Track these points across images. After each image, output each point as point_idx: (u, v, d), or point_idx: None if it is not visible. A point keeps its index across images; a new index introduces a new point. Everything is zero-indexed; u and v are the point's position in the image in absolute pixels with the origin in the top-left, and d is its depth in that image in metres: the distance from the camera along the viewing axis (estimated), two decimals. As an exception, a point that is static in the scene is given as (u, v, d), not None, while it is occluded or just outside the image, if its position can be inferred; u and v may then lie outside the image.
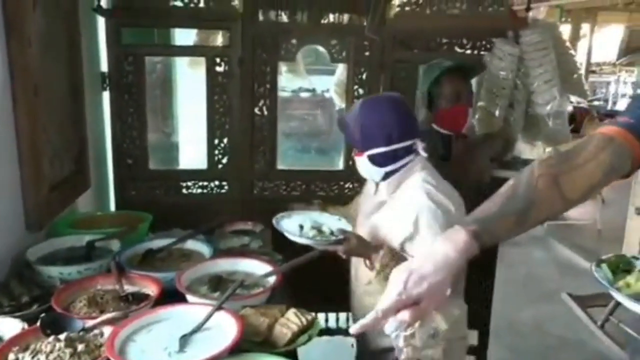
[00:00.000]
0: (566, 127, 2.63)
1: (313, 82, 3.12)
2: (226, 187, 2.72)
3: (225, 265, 1.68)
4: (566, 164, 1.02)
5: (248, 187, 2.73)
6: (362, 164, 1.76)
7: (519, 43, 2.51)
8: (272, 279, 1.58)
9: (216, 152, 2.67)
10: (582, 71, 3.21)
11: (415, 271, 0.93)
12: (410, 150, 1.70)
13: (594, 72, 11.14)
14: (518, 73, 2.52)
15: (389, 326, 0.90)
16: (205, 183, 2.71)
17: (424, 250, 1.01)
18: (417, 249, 1.56)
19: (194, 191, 2.71)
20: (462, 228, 0.98)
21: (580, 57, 10.13)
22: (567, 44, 2.61)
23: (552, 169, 1.01)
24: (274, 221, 1.83)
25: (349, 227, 1.81)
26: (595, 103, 9.66)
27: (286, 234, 1.73)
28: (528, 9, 2.60)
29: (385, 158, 1.70)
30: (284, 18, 2.64)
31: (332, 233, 1.72)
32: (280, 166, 2.78)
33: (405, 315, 0.89)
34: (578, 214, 5.29)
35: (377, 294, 1.06)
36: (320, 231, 1.75)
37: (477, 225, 0.98)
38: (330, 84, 3.06)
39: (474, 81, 2.51)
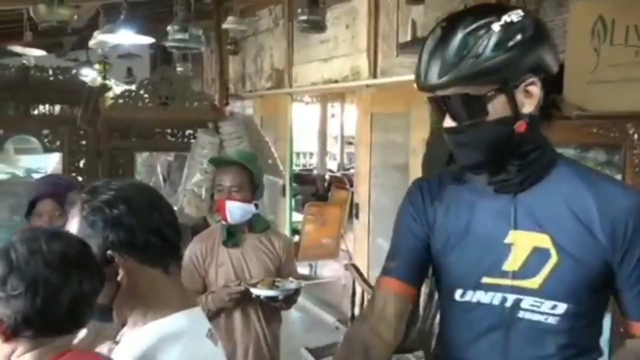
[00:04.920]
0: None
1: (28, 162, 3.07)
2: None
3: None
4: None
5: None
6: None
7: (219, 132, 2.87)
8: None
9: None
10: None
11: None
12: None
13: (350, 143, 12.55)
14: (220, 158, 2.87)
15: None
16: None
17: None
18: None
19: None
20: None
21: (334, 132, 11.45)
22: (262, 133, 3.06)
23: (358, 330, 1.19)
24: None
25: None
26: (352, 171, 10.90)
27: None
28: (227, 103, 3.00)
29: None
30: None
31: None
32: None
33: None
34: (326, 272, 5.90)
35: None
36: None
37: None
38: (50, 162, 3.10)
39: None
